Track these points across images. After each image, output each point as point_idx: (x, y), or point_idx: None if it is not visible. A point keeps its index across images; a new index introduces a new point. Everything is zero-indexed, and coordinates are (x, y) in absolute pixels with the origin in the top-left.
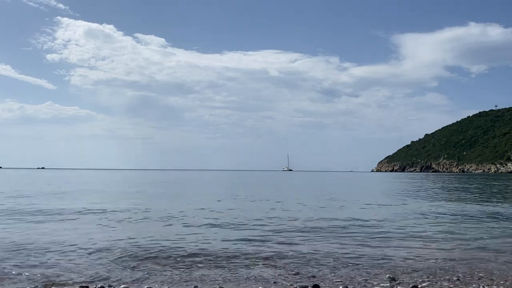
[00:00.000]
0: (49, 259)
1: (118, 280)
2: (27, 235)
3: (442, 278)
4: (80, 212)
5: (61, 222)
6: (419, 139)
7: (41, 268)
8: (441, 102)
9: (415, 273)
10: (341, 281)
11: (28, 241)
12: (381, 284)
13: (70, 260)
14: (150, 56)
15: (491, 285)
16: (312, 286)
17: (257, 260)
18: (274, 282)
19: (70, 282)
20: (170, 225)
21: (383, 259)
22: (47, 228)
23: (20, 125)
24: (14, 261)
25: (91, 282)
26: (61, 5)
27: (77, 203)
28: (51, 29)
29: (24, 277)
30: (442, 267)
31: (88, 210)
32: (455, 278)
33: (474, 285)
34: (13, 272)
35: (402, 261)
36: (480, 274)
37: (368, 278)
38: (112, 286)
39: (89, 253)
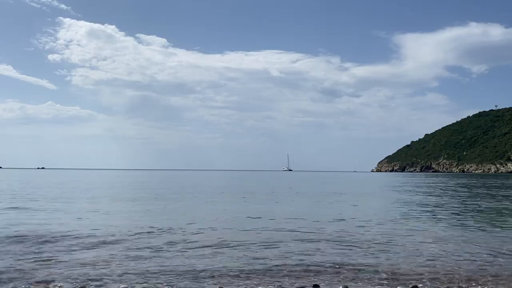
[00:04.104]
0: None
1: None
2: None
3: (442, 280)
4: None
5: None
6: (419, 139)
7: None
8: (442, 102)
9: (415, 272)
10: (340, 282)
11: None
12: (381, 283)
13: None
14: (152, 56)
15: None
16: (312, 286)
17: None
18: (275, 281)
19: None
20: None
21: (383, 259)
22: None
23: (21, 125)
24: None
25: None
26: (63, 6)
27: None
28: (53, 29)
29: None
30: (441, 267)
31: None
32: (456, 276)
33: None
34: None
35: (401, 261)
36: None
37: (368, 278)
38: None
39: None
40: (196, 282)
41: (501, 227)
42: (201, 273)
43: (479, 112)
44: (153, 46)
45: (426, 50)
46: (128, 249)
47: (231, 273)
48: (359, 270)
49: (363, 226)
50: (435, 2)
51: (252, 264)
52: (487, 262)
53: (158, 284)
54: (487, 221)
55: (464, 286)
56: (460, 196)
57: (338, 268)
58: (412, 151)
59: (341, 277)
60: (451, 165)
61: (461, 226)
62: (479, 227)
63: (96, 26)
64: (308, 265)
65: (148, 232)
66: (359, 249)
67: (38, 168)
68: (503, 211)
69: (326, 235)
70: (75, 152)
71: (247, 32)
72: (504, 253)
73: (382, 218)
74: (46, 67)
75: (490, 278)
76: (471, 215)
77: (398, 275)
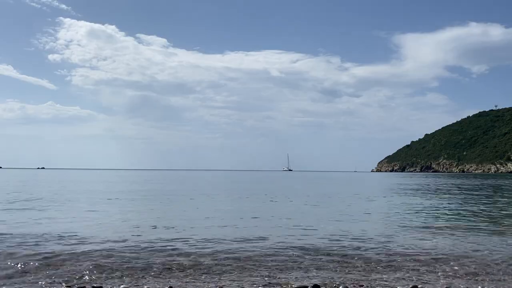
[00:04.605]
0: None
1: None
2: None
3: (441, 282)
4: None
5: None
6: (419, 139)
7: None
8: (442, 102)
9: (415, 272)
10: (341, 281)
11: None
12: (381, 284)
13: None
14: (152, 56)
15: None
16: (312, 286)
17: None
18: (275, 281)
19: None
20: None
21: (382, 261)
22: None
23: (21, 125)
24: None
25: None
26: (63, 6)
27: None
28: (53, 29)
29: None
30: (440, 268)
31: None
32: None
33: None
34: None
35: (401, 261)
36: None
37: (368, 279)
38: (110, 285)
39: None
40: (196, 280)
41: (503, 228)
42: (200, 272)
43: (479, 112)
44: (153, 46)
45: (426, 50)
46: (126, 248)
47: (230, 273)
48: (359, 271)
49: (363, 228)
50: (435, 2)
51: (251, 264)
52: (487, 263)
53: (160, 284)
54: (490, 223)
55: (463, 286)
56: (462, 197)
57: (338, 268)
58: (412, 151)
59: (342, 278)
60: (451, 165)
61: (461, 228)
62: (479, 228)
63: (96, 26)
64: (308, 265)
65: (148, 232)
66: (358, 249)
67: (38, 168)
68: (504, 213)
69: (325, 236)
70: (75, 152)
71: (247, 32)
72: (504, 255)
73: (382, 220)
74: (46, 67)
75: (490, 278)
76: (472, 216)
77: (398, 276)
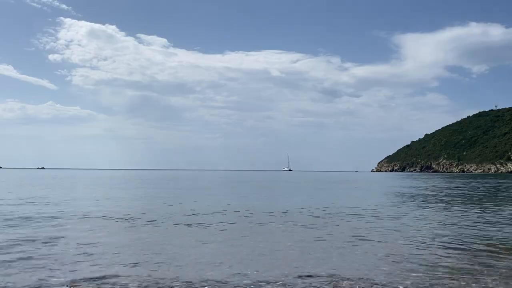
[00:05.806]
0: None
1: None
2: None
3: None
4: None
5: None
6: (419, 139)
7: None
8: (442, 102)
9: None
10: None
11: None
12: (382, 284)
13: None
14: (152, 56)
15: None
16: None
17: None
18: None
19: None
20: None
21: (384, 258)
22: None
23: (21, 125)
24: None
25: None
26: (64, 6)
27: None
28: (53, 29)
29: None
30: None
31: None
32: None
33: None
34: None
35: (403, 261)
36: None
37: (368, 278)
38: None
39: None
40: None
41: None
42: (197, 268)
43: (479, 112)
44: (153, 46)
45: (426, 50)
46: (126, 251)
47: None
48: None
49: (364, 234)
50: (435, 2)
51: (251, 262)
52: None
53: (166, 283)
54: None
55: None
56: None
57: (332, 275)
58: (412, 151)
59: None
60: (451, 165)
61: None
62: (477, 229)
63: (97, 26)
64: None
65: (148, 230)
66: (359, 251)
67: (38, 168)
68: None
69: (324, 238)
70: (75, 152)
71: (247, 32)
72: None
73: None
74: (46, 67)
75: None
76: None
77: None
